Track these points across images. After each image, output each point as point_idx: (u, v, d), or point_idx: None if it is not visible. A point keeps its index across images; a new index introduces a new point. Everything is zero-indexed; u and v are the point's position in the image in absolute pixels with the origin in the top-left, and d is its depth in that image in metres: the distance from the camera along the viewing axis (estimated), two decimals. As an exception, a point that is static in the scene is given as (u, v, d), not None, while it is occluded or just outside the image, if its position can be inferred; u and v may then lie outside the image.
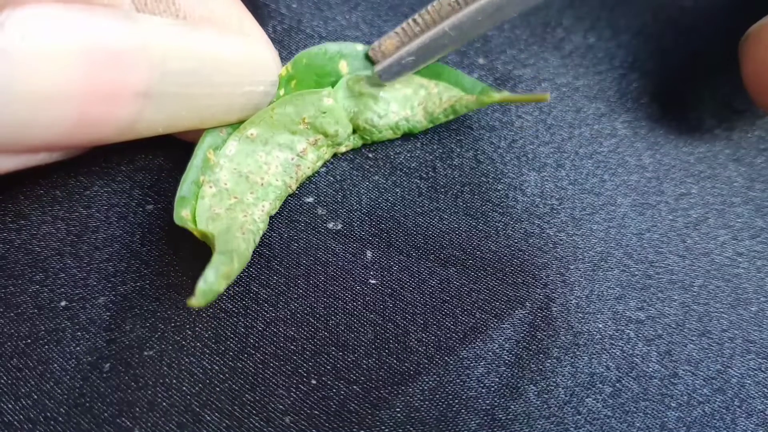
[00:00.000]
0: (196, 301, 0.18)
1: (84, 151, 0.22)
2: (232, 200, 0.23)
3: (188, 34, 0.20)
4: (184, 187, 0.22)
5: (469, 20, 0.23)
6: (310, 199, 0.25)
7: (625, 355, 0.25)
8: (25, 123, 0.17)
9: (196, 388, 0.22)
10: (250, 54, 0.22)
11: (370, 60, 0.25)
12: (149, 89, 0.19)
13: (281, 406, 0.22)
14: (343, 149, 0.26)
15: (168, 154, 0.24)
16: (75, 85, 0.17)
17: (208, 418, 0.21)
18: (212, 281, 0.18)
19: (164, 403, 0.21)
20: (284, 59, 0.25)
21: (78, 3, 0.17)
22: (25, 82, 0.16)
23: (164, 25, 0.19)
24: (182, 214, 0.21)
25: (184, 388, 0.21)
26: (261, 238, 0.24)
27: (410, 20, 0.24)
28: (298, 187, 0.25)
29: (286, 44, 0.27)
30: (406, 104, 0.26)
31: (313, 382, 0.22)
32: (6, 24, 0.16)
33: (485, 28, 0.23)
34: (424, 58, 0.24)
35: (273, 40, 0.27)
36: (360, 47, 0.25)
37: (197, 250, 0.23)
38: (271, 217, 0.24)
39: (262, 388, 0.22)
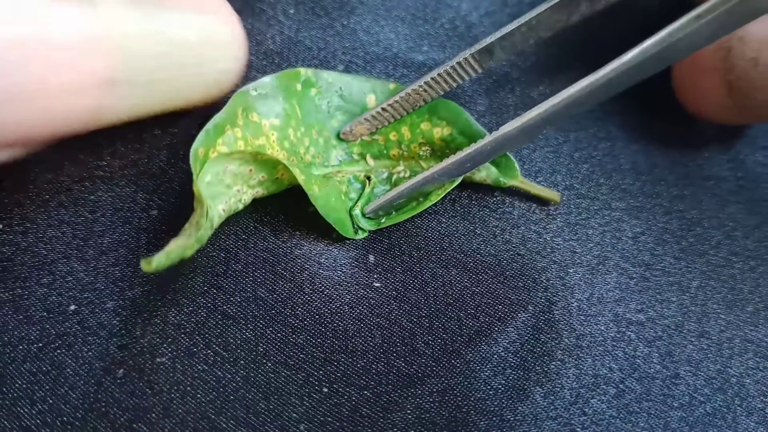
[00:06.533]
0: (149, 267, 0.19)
1: (56, 142, 0.21)
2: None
3: (148, 17, 0.19)
4: (211, 124, 0.22)
5: (457, 165, 0.24)
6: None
7: (627, 356, 0.25)
8: None
9: (211, 396, 0.21)
10: (210, 33, 0.22)
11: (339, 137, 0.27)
12: (113, 76, 0.18)
13: (295, 415, 0.22)
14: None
15: (170, 158, 0.24)
16: (36, 76, 0.17)
17: (224, 425, 0.21)
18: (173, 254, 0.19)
19: (180, 410, 0.21)
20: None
21: None
22: None
23: (125, 10, 0.19)
24: (198, 151, 0.22)
25: (199, 395, 0.21)
26: (263, 243, 0.24)
27: (380, 108, 0.26)
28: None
29: (285, 56, 0.27)
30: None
31: (325, 390, 0.22)
32: None
33: (470, 169, 0.25)
34: (413, 198, 0.25)
35: (273, 51, 0.27)
36: (392, 85, 0.27)
37: (203, 253, 0.23)
38: (273, 223, 0.24)
39: (276, 397, 0.22)
